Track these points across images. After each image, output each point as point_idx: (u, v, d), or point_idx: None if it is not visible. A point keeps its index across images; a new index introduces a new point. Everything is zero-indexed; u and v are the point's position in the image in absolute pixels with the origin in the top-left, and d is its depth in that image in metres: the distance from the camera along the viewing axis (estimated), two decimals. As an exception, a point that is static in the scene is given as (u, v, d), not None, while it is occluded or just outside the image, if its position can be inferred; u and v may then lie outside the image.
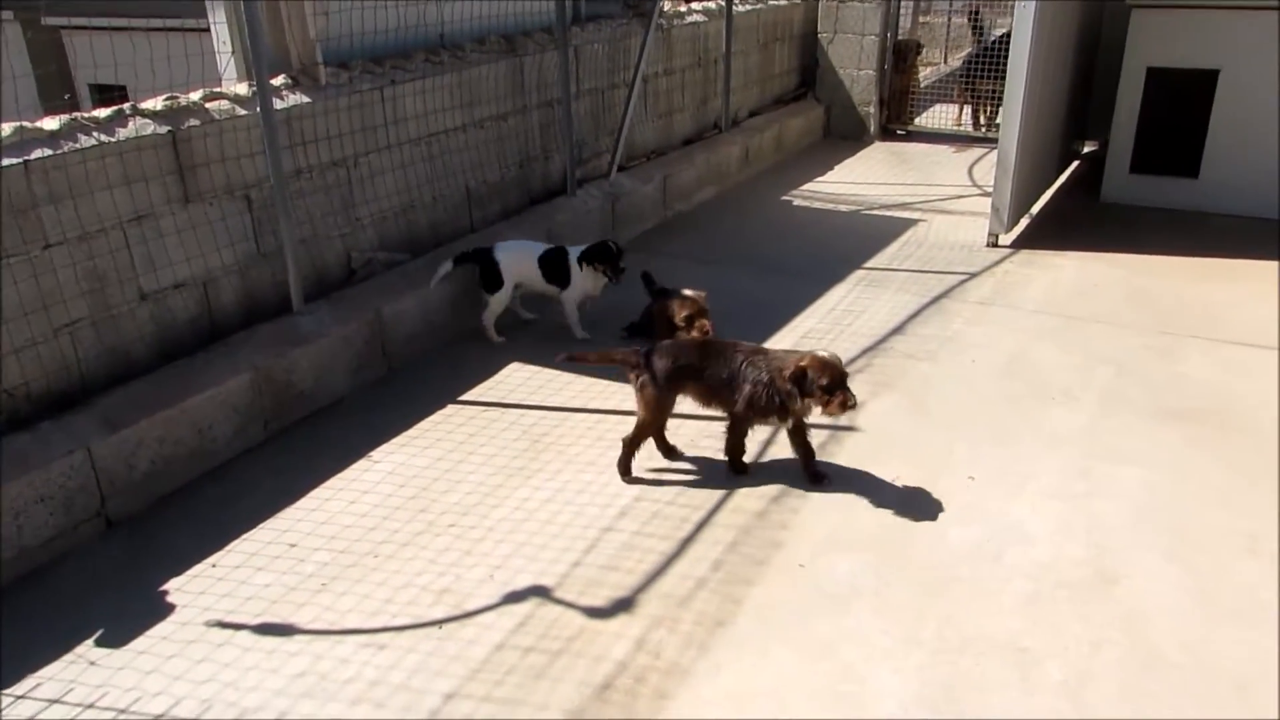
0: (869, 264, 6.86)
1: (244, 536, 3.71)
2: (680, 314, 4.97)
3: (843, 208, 8.35)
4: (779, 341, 5.49)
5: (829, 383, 3.78)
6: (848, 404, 3.80)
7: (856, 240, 7.37)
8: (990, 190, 7.30)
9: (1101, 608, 3.32)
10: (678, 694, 2.95)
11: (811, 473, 4.09)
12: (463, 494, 3.97)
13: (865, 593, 3.41)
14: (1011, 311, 5.96)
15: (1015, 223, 7.51)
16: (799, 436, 4.07)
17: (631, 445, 4.10)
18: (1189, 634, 3.19)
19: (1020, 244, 7.28)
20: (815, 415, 3.94)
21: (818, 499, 3.97)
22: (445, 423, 4.54)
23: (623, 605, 3.33)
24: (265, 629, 3.22)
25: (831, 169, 9.59)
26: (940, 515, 3.86)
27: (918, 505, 3.91)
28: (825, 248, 7.20)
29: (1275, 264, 6.72)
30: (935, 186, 8.94)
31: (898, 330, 5.69)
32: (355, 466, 4.16)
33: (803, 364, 3.81)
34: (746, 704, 2.92)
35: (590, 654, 3.11)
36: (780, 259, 7.00)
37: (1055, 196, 8.46)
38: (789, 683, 3.00)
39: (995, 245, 7.25)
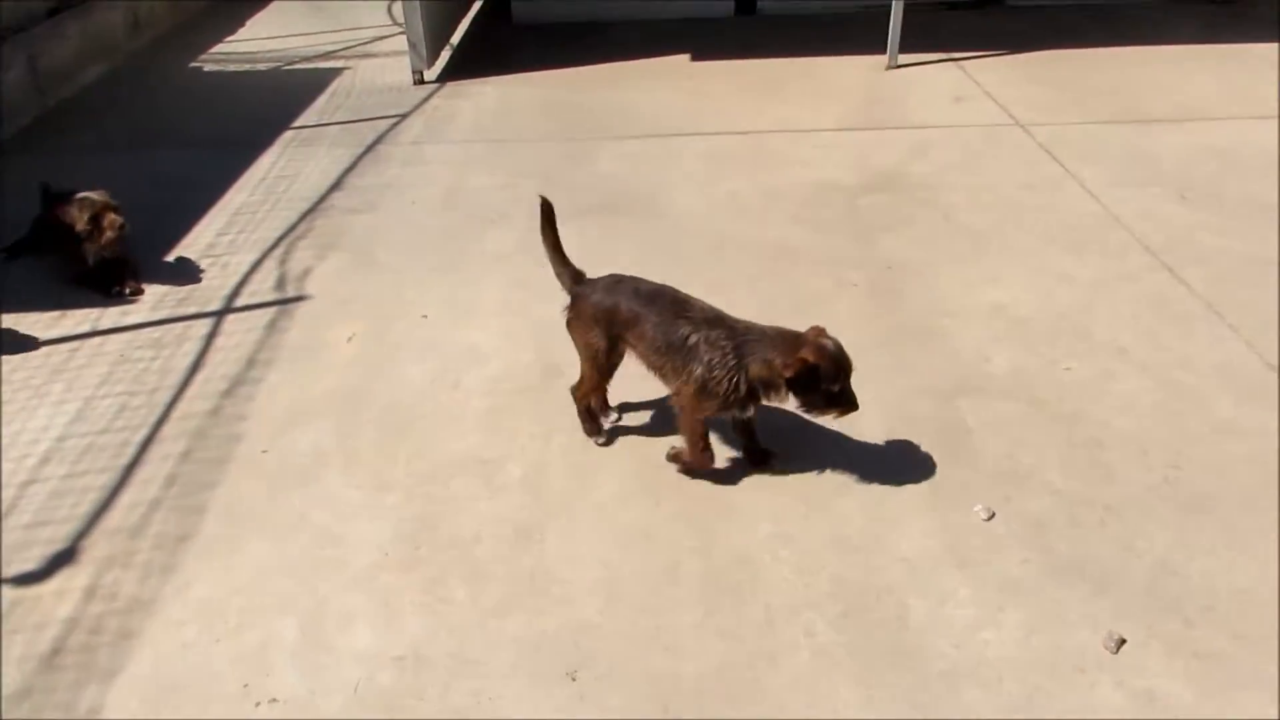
0: (297, 123, 6.49)
1: None
2: (82, 219, 4.30)
3: (261, 66, 7.75)
4: (210, 224, 5.05)
5: (839, 389, 2.87)
6: (848, 411, 2.95)
7: (280, 100, 6.90)
8: (407, 27, 7.21)
9: (549, 401, 3.61)
10: (144, 628, 2.71)
11: (757, 454, 3.23)
12: None
13: (331, 455, 3.35)
14: (443, 146, 6.04)
15: (437, 56, 7.52)
16: (747, 419, 3.16)
17: (579, 398, 3.36)
18: (619, 396, 3.57)
19: (445, 77, 7.33)
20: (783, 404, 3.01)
21: (273, 379, 3.78)
22: None
23: (62, 559, 2.94)
24: None
25: (243, 25, 8.82)
26: (398, 359, 3.88)
27: (374, 357, 3.90)
28: (247, 113, 6.67)
29: (658, 60, 7.54)
30: (356, 30, 8.62)
31: (336, 187, 5.50)
32: None
33: (808, 358, 2.79)
34: (224, 606, 2.77)
35: (28, 626, 2.71)
36: (198, 132, 6.36)
37: (473, 24, 8.60)
38: (266, 569, 2.89)
39: (421, 82, 7.23)
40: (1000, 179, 5.23)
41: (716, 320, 3.00)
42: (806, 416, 3.02)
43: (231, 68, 7.73)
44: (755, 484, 3.17)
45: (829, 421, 3.11)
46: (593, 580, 2.83)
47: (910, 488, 3.11)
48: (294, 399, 3.65)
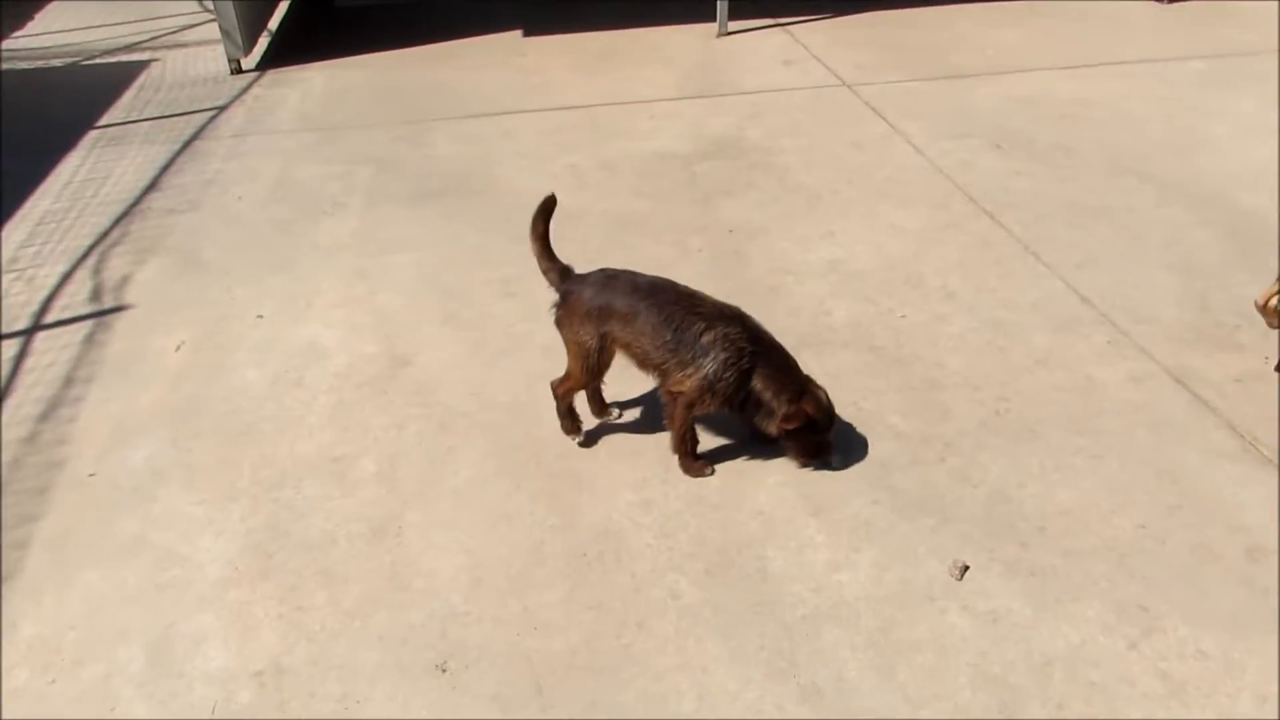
0: (103, 122, 6.08)
1: None
2: None
3: (56, 62, 7.22)
4: (10, 236, 4.70)
5: (821, 441, 3.01)
6: (821, 458, 3.06)
7: (82, 97, 6.45)
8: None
9: (399, 391, 3.52)
10: (-32, 676, 2.51)
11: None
12: None
13: (168, 471, 3.17)
14: (269, 136, 5.77)
15: (254, 44, 7.16)
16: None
17: (561, 395, 3.18)
18: (471, 380, 3.54)
19: (266, 64, 7.01)
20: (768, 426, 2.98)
21: (96, 396, 3.54)
22: None
23: None
24: None
25: (31, 19, 8.21)
26: (234, 363, 3.70)
27: (207, 363, 3.70)
28: (44, 114, 6.21)
29: (489, 37, 7.40)
30: (161, 19, 8.14)
31: (152, 187, 5.19)
32: None
33: (809, 410, 2.90)
34: (58, 643, 2.58)
35: None
36: (-13, 139, 5.88)
37: (291, 9, 8.21)
38: (103, 598, 2.71)
39: (240, 71, 6.88)
40: (831, 138, 5.39)
41: (734, 317, 2.94)
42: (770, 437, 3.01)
43: (21, 65, 7.15)
44: (613, 455, 3.18)
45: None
46: (456, 568, 2.78)
47: (762, 444, 3.18)
48: (121, 416, 3.43)
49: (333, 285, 4.18)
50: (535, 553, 2.83)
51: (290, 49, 7.28)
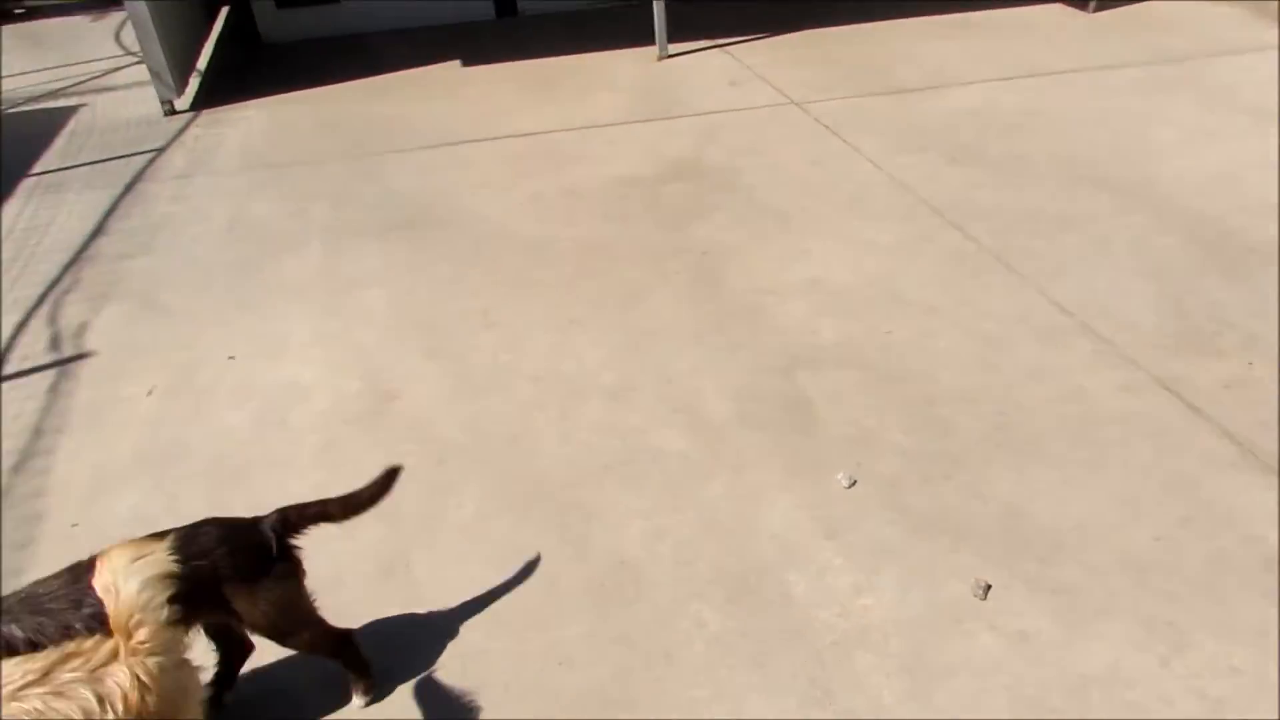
0: (37, 169, 5.88)
1: None
2: None
3: (-21, 110, 6.93)
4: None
5: None
6: None
7: (11, 146, 6.22)
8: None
9: (389, 427, 3.42)
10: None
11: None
12: None
13: (158, 519, 2.93)
14: (215, 177, 5.61)
15: (185, 84, 7.00)
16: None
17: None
18: (462, 413, 3.46)
19: (200, 105, 6.84)
20: None
21: (70, 446, 3.38)
22: None
23: None
24: None
25: (-54, 67, 7.86)
26: (211, 406, 3.56)
27: (183, 407, 3.56)
28: (-28, 161, 5.94)
29: (428, 68, 7.34)
30: (85, 64, 7.93)
31: (99, 232, 5.01)
32: None
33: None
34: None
35: None
36: (-86, 187, 5.59)
37: (219, 47, 8.03)
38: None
39: (174, 112, 6.71)
40: (790, 157, 5.44)
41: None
42: None
43: (-57, 115, 6.86)
44: (616, 484, 3.12)
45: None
46: (472, 605, 2.70)
47: (769, 465, 3.16)
48: (100, 464, 3.27)
49: (304, 323, 4.06)
50: (552, 587, 2.76)
51: (223, 88, 7.11)
